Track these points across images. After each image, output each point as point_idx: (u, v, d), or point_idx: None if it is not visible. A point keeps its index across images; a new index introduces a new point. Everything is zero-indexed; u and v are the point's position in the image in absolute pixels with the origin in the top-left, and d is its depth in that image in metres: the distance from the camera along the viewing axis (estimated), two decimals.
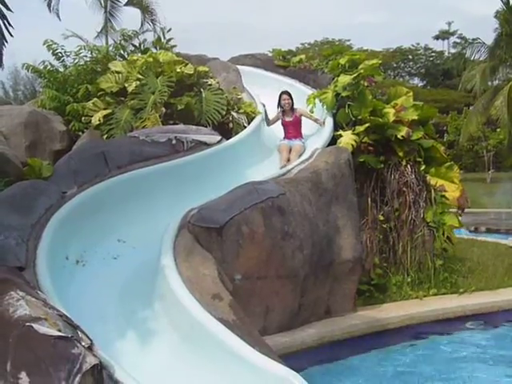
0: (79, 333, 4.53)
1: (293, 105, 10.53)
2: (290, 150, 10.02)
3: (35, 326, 4.27)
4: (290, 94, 10.59)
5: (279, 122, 10.68)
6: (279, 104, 10.62)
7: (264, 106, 11.16)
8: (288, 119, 10.51)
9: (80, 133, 10.68)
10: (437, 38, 69.95)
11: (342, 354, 7.49)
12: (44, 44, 11.78)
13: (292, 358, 6.61)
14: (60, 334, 4.27)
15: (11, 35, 6.30)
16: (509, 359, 7.65)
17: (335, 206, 8.27)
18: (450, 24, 70.04)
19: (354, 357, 7.50)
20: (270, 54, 15.29)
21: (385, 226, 9.89)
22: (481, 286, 9.88)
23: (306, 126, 10.54)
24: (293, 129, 10.41)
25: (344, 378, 7.01)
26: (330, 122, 10.38)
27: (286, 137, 10.41)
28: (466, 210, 11.35)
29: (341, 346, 7.65)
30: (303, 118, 10.53)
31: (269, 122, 10.98)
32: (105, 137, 9.90)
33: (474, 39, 35.71)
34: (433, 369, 7.35)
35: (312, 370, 6.89)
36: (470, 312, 8.88)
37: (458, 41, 65.60)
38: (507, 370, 7.30)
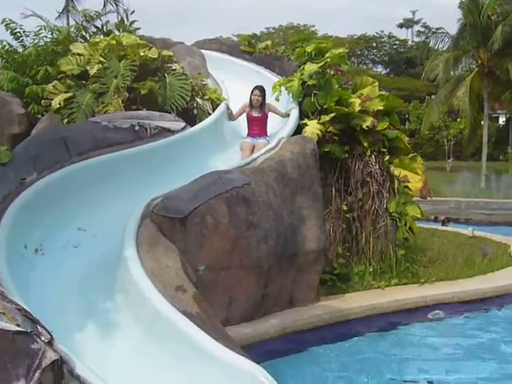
0: (39, 327, 4.39)
1: (263, 101, 10.03)
2: (253, 150, 9.53)
3: None
4: (263, 91, 10.02)
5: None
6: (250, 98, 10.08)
7: (228, 108, 10.50)
8: (255, 114, 10.00)
9: (39, 116, 10.40)
10: (401, 26, 70.45)
11: (305, 345, 7.49)
12: (2, 23, 11.42)
13: (254, 349, 6.61)
14: (19, 329, 4.14)
15: None
16: (467, 349, 7.75)
17: (300, 196, 8.22)
18: (414, 12, 70.60)
19: (317, 347, 7.48)
20: (235, 39, 15.13)
21: (348, 215, 9.90)
22: (441, 276, 10.00)
23: (271, 115, 10.26)
24: (258, 125, 9.93)
25: (307, 368, 7.02)
26: (294, 112, 10.16)
27: (250, 134, 9.93)
28: (427, 199, 11.46)
29: (303, 337, 7.66)
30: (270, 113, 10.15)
31: (232, 117, 10.43)
32: (65, 121, 9.64)
33: (437, 29, 36.33)
34: (395, 359, 7.44)
35: (275, 360, 6.84)
36: (431, 302, 8.98)
37: (422, 30, 66.18)
38: (466, 359, 7.39)
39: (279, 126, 10.07)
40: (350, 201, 10.00)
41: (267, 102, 10.16)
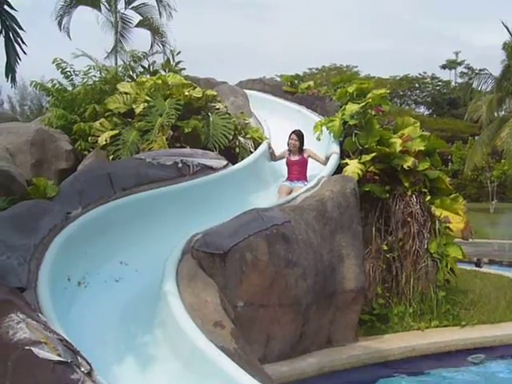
0: (79, 358, 4.48)
1: (301, 146, 10.10)
2: (290, 193, 9.44)
3: (35, 349, 4.24)
4: (299, 135, 10.11)
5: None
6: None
7: (270, 147, 10.75)
8: (293, 159, 10.08)
9: (86, 152, 10.68)
10: (444, 67, 70.16)
11: None
12: (53, 62, 11.80)
13: None
14: (59, 358, 4.24)
15: (24, 53, 6.38)
16: None
17: (340, 234, 8.24)
18: (457, 54, 70.28)
19: None
20: (278, 79, 15.34)
21: (388, 255, 9.83)
22: (483, 319, 9.80)
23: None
24: (297, 170, 9.98)
25: None
26: (335, 157, 10.14)
27: (289, 178, 9.99)
28: (469, 241, 11.32)
29: (341, 377, 7.58)
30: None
31: (274, 157, 10.63)
32: (111, 157, 9.91)
33: (480, 70, 35.86)
34: None
35: None
36: (472, 345, 8.81)
37: (465, 71, 65.86)
38: None
39: (320, 166, 10.12)
40: (391, 241, 9.93)
41: (307, 147, 10.22)
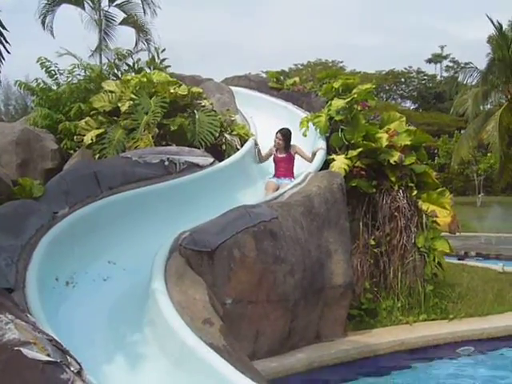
0: (68, 358, 4.46)
1: (287, 144, 10.05)
2: (277, 190, 9.40)
3: (24, 350, 4.21)
4: (284, 134, 10.07)
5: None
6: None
7: (256, 144, 10.76)
8: (280, 155, 10.07)
9: (72, 151, 10.66)
10: (429, 61, 70.36)
11: (332, 380, 7.45)
12: (37, 61, 11.77)
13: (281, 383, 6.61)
14: (49, 358, 4.21)
15: (8, 52, 6.35)
16: None
17: (327, 230, 8.26)
18: (442, 48, 70.51)
19: (343, 383, 7.44)
20: (264, 76, 15.33)
21: (376, 250, 9.85)
22: (470, 312, 9.85)
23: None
24: (284, 166, 9.97)
25: None
26: (322, 152, 10.16)
27: (276, 174, 9.97)
28: (456, 234, 11.36)
29: (330, 372, 7.60)
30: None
31: (261, 159, 10.61)
32: (97, 156, 9.88)
33: (466, 63, 36.14)
34: None
35: None
36: (460, 339, 8.86)
37: (451, 65, 66.14)
38: None
39: (307, 163, 10.13)
40: (378, 235, 9.95)
41: (294, 144, 10.20)
